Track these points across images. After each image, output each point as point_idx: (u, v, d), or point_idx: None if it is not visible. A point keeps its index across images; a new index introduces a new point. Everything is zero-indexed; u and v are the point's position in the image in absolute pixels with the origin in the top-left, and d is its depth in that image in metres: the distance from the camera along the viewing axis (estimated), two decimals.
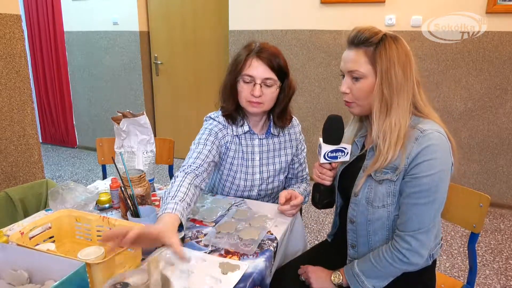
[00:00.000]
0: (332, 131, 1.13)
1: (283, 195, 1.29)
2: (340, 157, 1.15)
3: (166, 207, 1.03)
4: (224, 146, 1.41)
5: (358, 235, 1.16)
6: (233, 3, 3.38)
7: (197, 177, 1.22)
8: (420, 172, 1.00)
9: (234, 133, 1.41)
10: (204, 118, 1.45)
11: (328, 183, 1.20)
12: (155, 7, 3.83)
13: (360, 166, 1.15)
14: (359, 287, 1.10)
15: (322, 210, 3.00)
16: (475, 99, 2.91)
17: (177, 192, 1.10)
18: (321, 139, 1.15)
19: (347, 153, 1.14)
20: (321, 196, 1.22)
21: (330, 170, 1.18)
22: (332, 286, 1.15)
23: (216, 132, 1.38)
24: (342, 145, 1.13)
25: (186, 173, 1.20)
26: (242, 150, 1.43)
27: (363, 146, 1.20)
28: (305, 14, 3.19)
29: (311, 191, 1.27)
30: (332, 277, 1.15)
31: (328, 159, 1.14)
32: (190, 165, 1.25)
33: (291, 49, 3.29)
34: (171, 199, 1.07)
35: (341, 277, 1.14)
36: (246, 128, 1.42)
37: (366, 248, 1.15)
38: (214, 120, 1.42)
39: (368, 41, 1.04)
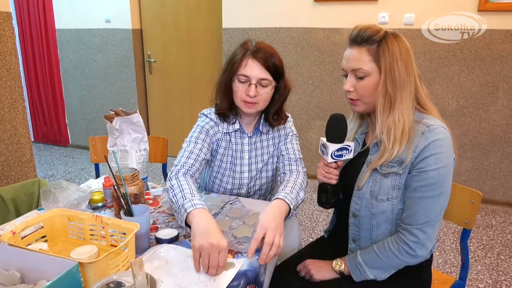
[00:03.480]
0: (337, 130, 1.12)
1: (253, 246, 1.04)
2: (345, 155, 1.14)
3: (194, 202, 1.10)
4: (215, 143, 1.42)
5: (360, 228, 1.16)
6: (226, 0, 3.37)
7: (191, 177, 1.27)
8: (428, 166, 1.02)
9: (225, 131, 1.41)
10: (199, 115, 1.46)
11: (334, 182, 1.18)
12: (148, 4, 3.80)
13: (363, 161, 1.16)
14: (360, 276, 1.12)
15: (315, 208, 3.03)
16: (467, 96, 2.93)
17: (188, 190, 1.16)
18: (324, 139, 1.15)
19: (351, 150, 1.14)
20: (329, 196, 1.20)
21: (335, 168, 1.17)
22: (333, 274, 1.16)
23: (207, 130, 1.39)
24: (346, 142, 1.14)
25: (180, 176, 1.24)
26: (232, 148, 1.43)
27: (364, 142, 1.21)
28: (298, 12, 3.19)
29: (317, 193, 1.23)
30: (333, 264, 1.17)
31: (335, 158, 1.13)
32: (183, 165, 1.28)
33: (284, 47, 3.29)
34: (192, 196, 1.13)
35: (343, 265, 1.15)
36: (237, 126, 1.41)
37: (368, 241, 1.16)
38: (207, 117, 1.42)
39: (370, 39, 1.05)
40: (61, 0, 3.99)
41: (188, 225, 1.09)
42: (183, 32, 3.77)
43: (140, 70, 4.02)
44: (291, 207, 1.20)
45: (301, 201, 1.29)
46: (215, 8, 3.53)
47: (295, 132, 1.51)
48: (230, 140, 1.43)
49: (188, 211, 1.08)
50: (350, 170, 1.20)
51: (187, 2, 3.66)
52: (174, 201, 1.15)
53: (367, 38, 1.05)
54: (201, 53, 3.77)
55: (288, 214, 1.20)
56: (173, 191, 1.17)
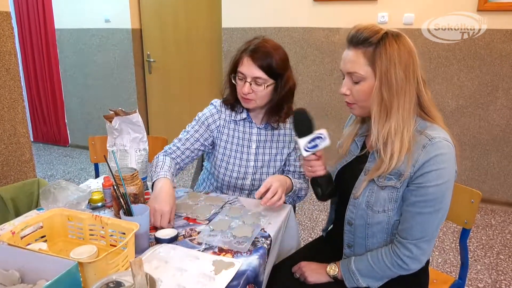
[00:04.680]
0: (300, 124, 1.14)
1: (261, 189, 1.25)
2: (320, 144, 1.13)
3: (159, 174, 1.31)
4: (216, 130, 1.49)
5: (355, 236, 1.14)
6: (226, 0, 3.36)
7: (173, 160, 1.44)
8: (427, 182, 0.98)
9: (232, 118, 1.48)
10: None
11: (321, 172, 1.16)
12: (148, 4, 3.80)
13: (361, 168, 1.12)
14: (353, 284, 1.11)
15: (315, 207, 3.03)
16: (466, 96, 2.93)
17: (164, 165, 1.36)
18: (296, 137, 1.15)
19: (325, 137, 1.12)
20: (322, 188, 1.20)
21: (317, 160, 1.15)
22: (327, 277, 1.15)
23: (206, 118, 1.48)
24: (316, 132, 1.12)
25: (165, 155, 1.44)
26: (238, 136, 1.49)
27: (364, 145, 1.17)
28: (298, 11, 3.19)
29: (312, 188, 1.25)
30: (327, 268, 1.16)
31: (310, 149, 1.13)
32: (166, 151, 1.47)
33: (284, 46, 3.22)
34: (160, 169, 1.34)
35: (337, 270, 1.14)
36: (244, 115, 1.47)
37: (363, 249, 1.14)
38: (212, 104, 1.51)
39: (367, 41, 0.99)
40: (61, 0, 3.99)
41: None
42: (182, 32, 3.76)
43: (139, 70, 4.01)
44: (293, 186, 1.38)
45: (298, 198, 1.44)
46: (215, 7, 3.53)
47: None
48: (237, 128, 1.49)
49: (153, 181, 1.30)
50: (348, 176, 1.16)
51: (186, 2, 3.66)
52: (152, 167, 1.40)
53: (363, 40, 0.99)
54: (200, 53, 3.77)
55: (289, 192, 1.37)
56: (151, 165, 1.42)
